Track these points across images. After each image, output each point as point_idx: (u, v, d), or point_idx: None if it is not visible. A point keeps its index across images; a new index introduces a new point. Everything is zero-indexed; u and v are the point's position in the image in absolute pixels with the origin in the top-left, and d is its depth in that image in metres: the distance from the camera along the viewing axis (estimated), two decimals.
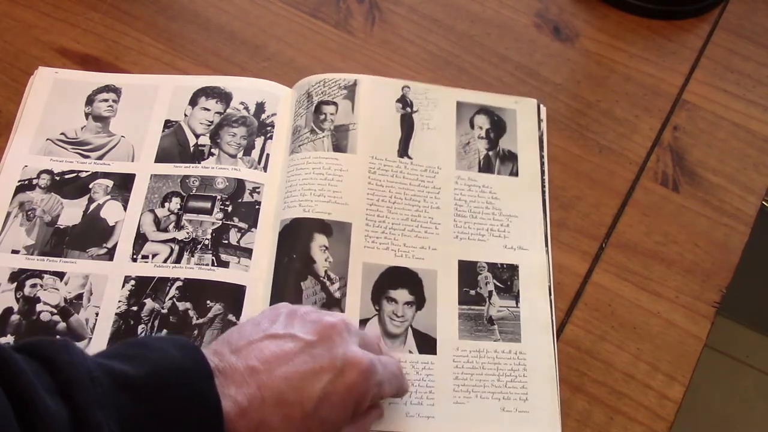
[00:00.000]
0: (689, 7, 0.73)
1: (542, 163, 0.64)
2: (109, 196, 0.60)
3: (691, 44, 0.72)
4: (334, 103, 0.63)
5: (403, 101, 0.64)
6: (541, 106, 0.66)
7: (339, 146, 0.61)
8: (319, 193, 0.59)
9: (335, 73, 0.65)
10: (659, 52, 0.71)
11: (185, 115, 0.64)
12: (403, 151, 0.62)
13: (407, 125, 0.63)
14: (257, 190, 0.60)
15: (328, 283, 0.56)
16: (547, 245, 0.60)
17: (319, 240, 0.57)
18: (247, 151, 0.62)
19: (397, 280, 0.57)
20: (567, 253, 0.61)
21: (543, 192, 0.62)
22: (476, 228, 0.60)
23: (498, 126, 0.65)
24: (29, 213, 0.59)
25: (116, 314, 0.55)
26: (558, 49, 0.71)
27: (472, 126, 0.65)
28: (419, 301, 0.57)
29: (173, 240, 0.58)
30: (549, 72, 0.69)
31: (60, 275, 0.56)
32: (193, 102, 0.64)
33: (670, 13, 0.73)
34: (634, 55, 0.71)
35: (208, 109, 0.64)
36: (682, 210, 0.63)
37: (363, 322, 0.55)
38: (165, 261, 0.57)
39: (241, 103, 0.64)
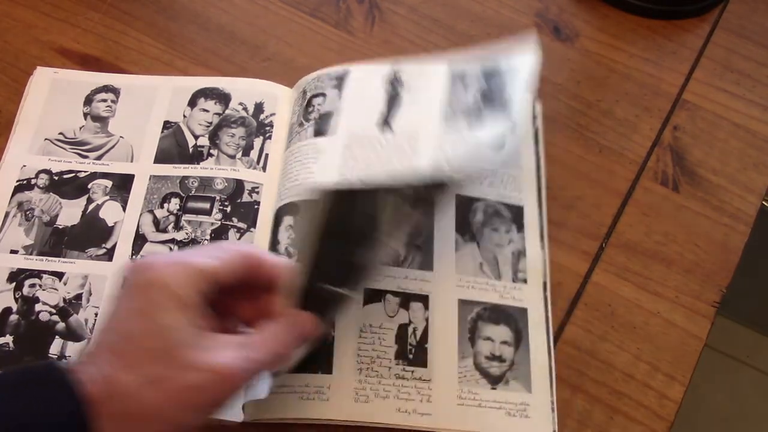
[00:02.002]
0: (689, 7, 0.73)
1: (538, 158, 0.64)
2: (107, 197, 0.60)
3: (691, 44, 0.72)
4: (323, 95, 0.63)
5: (393, 83, 0.64)
6: (536, 103, 0.66)
7: (320, 131, 0.61)
8: (294, 179, 0.59)
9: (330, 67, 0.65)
10: (659, 52, 0.71)
11: (184, 116, 0.64)
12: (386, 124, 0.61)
13: (393, 101, 0.62)
14: (256, 190, 0.60)
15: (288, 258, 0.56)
16: (543, 240, 0.60)
17: (286, 221, 0.57)
18: (246, 151, 0.62)
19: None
20: (567, 253, 0.61)
21: (539, 188, 0.62)
22: None
23: None
24: (28, 213, 0.59)
25: None
26: (558, 49, 0.71)
27: None
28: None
29: (172, 240, 0.58)
30: (549, 72, 0.69)
31: (59, 275, 0.56)
32: (192, 103, 0.64)
33: (670, 13, 0.73)
34: (634, 55, 0.71)
35: (207, 110, 0.64)
36: (682, 210, 0.63)
37: None
38: None
39: (240, 103, 0.64)
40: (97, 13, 0.69)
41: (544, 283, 0.58)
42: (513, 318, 0.56)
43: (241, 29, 0.70)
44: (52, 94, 0.65)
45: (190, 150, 0.62)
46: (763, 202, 0.64)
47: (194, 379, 0.39)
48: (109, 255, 0.57)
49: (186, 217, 0.59)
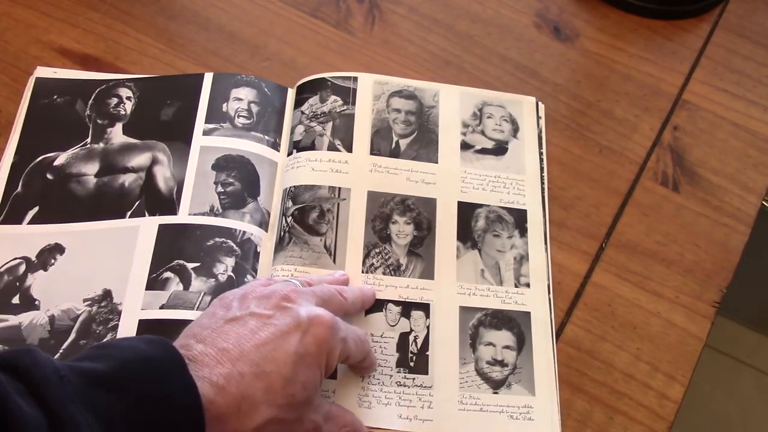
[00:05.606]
0: (689, 7, 0.73)
1: (541, 160, 0.64)
2: None
3: (691, 44, 0.72)
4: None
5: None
6: (540, 104, 0.66)
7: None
8: None
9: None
10: (659, 52, 0.71)
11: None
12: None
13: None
14: None
15: None
16: (546, 243, 0.60)
17: None
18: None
19: None
20: (567, 253, 0.61)
21: (542, 189, 0.62)
22: None
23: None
24: None
25: None
26: (558, 49, 0.71)
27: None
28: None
29: None
30: (549, 72, 0.69)
31: None
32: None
33: (670, 13, 0.73)
34: (634, 55, 0.71)
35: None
36: (682, 210, 0.63)
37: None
38: None
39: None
40: (97, 13, 0.69)
41: (548, 285, 0.58)
42: (516, 322, 0.56)
43: (241, 29, 0.70)
44: None
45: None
46: (763, 202, 0.64)
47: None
48: None
49: None
